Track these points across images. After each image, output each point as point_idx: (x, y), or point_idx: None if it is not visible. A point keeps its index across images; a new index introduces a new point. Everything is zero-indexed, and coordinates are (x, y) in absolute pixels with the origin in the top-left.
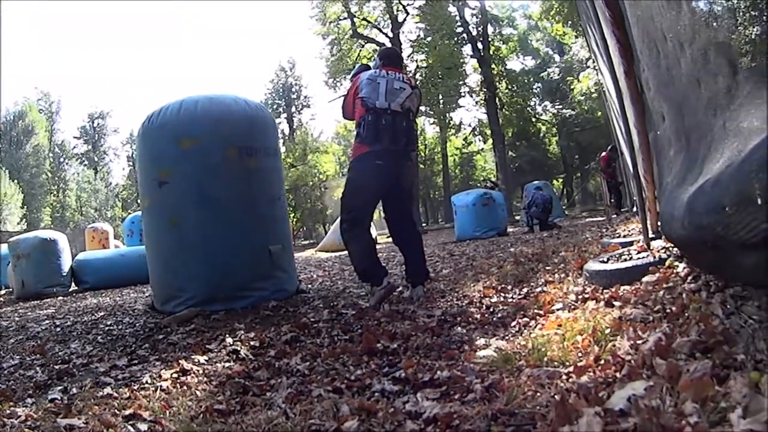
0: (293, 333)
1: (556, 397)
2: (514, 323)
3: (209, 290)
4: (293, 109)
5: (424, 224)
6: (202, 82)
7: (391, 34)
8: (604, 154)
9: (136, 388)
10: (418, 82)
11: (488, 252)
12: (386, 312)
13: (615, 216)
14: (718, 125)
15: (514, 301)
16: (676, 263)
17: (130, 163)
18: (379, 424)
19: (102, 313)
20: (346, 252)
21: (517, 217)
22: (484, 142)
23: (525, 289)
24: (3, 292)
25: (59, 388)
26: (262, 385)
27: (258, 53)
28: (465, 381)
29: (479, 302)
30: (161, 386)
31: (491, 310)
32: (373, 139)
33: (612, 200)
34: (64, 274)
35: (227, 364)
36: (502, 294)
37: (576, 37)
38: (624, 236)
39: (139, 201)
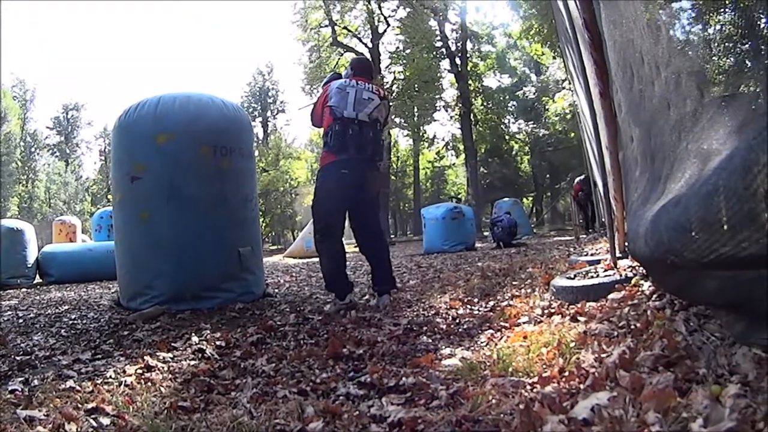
0: (259, 335)
1: (520, 405)
2: (479, 334)
3: (176, 289)
4: (268, 114)
5: (392, 236)
6: (179, 82)
7: (370, 45)
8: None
9: (99, 382)
10: (394, 94)
11: (456, 265)
12: (353, 318)
13: (583, 236)
14: (682, 146)
15: (480, 313)
16: (642, 282)
17: (102, 158)
18: (344, 426)
19: (66, 307)
20: (313, 259)
21: (486, 233)
22: (457, 157)
23: (491, 303)
24: None
25: (20, 379)
26: (227, 385)
27: (236, 55)
28: (430, 388)
29: (445, 313)
30: (125, 381)
31: (457, 321)
32: (339, 148)
33: (581, 220)
34: (30, 265)
35: (192, 363)
36: (469, 306)
37: (554, 57)
38: (591, 255)
39: (109, 196)
